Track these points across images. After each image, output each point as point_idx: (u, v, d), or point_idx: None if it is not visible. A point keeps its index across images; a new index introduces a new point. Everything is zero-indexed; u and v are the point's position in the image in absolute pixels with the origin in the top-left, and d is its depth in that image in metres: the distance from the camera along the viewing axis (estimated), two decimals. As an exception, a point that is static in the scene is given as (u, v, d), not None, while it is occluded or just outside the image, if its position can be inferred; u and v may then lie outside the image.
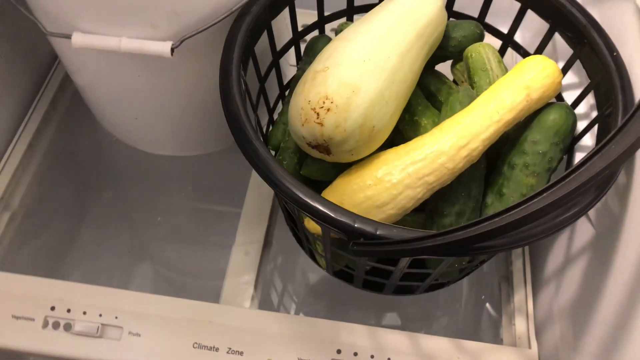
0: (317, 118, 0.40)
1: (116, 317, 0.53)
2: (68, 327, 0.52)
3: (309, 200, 0.37)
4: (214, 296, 0.56)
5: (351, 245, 0.36)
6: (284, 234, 0.62)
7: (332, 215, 0.36)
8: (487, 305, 0.60)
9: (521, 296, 0.57)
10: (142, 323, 0.52)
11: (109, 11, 0.44)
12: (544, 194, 0.31)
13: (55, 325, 0.52)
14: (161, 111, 0.56)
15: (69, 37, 0.46)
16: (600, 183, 0.38)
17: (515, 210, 0.31)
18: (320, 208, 0.36)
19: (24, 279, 0.55)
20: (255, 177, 0.65)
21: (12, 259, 0.61)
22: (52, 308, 0.53)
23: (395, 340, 0.52)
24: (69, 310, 0.53)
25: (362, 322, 0.53)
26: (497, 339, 0.57)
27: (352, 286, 0.54)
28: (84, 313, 0.53)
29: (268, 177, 0.38)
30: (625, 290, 0.41)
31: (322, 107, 0.40)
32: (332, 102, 0.40)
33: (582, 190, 0.31)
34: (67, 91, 0.71)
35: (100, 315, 0.53)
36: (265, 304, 0.59)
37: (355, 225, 0.36)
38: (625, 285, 0.41)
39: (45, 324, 0.52)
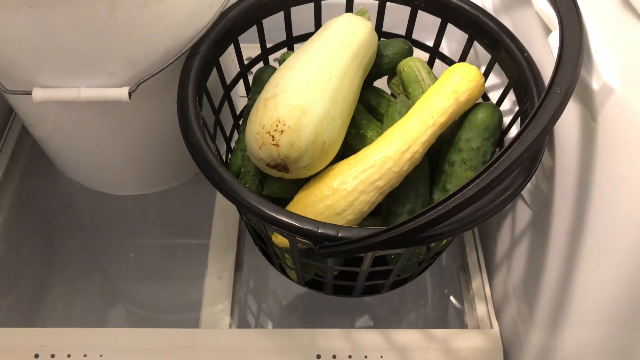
0: (273, 140, 0.45)
1: (101, 355, 0.54)
2: (42, 373, 0.54)
3: (275, 214, 0.40)
4: (192, 326, 0.58)
5: (318, 249, 0.40)
6: (254, 257, 0.65)
7: (297, 225, 0.40)
8: (450, 296, 0.65)
9: (478, 282, 0.62)
10: (126, 357, 0.54)
11: (66, 64, 0.47)
12: (476, 181, 0.36)
13: (41, 372, 0.54)
14: (123, 153, 0.59)
15: (29, 93, 0.49)
16: (526, 167, 0.43)
17: (454, 198, 0.36)
18: (286, 220, 0.40)
19: (3, 331, 0.56)
20: (219, 205, 0.68)
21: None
22: (36, 356, 0.54)
23: (370, 338, 0.56)
24: (53, 356, 0.54)
25: (337, 327, 0.56)
26: (462, 325, 0.62)
27: (324, 294, 0.57)
28: (69, 356, 0.54)
29: (235, 198, 0.41)
30: (561, 262, 0.47)
31: (276, 130, 0.44)
32: (284, 125, 0.44)
33: (508, 173, 0.36)
34: (25, 144, 0.72)
35: (85, 355, 0.54)
36: (243, 323, 0.62)
37: (319, 231, 0.40)
38: (561, 256, 0.47)
39: (31, 372, 0.54)
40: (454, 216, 0.36)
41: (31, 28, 0.44)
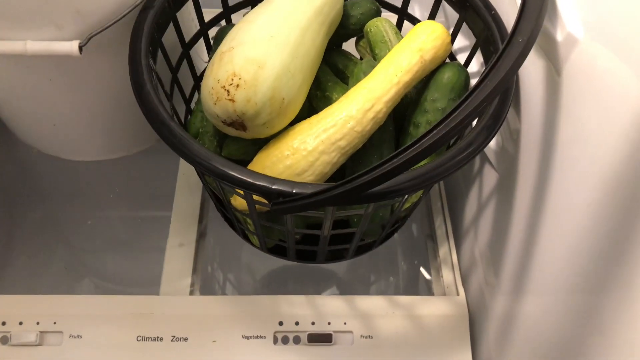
0: (228, 95, 0.43)
1: (54, 323, 0.53)
2: (5, 340, 0.52)
3: (227, 170, 0.39)
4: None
5: (272, 205, 0.38)
6: (218, 227, 0.63)
7: (251, 181, 0.38)
8: (418, 264, 0.64)
9: (445, 250, 0.61)
10: (82, 325, 0.53)
11: (10, 14, 0.45)
12: (434, 131, 0.35)
13: (-8, 340, 0.52)
14: (78, 114, 0.56)
15: (-29, 45, 0.46)
16: (489, 124, 0.42)
17: (411, 149, 0.34)
18: (239, 175, 0.38)
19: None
20: (182, 172, 0.66)
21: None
22: (3, 323, 0.52)
23: (333, 305, 0.55)
24: (4, 323, 0.52)
25: (301, 294, 0.55)
26: (430, 293, 0.61)
27: (287, 260, 0.56)
28: (20, 323, 0.52)
29: (185, 154, 0.40)
30: (525, 226, 0.46)
31: (231, 84, 0.42)
32: (240, 79, 0.42)
33: (467, 122, 0.34)
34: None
35: (38, 323, 0.52)
36: (205, 290, 0.60)
37: (274, 187, 0.38)
38: (525, 221, 0.46)
39: (-20, 341, 0.52)
40: (408, 169, 0.35)
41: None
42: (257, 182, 0.38)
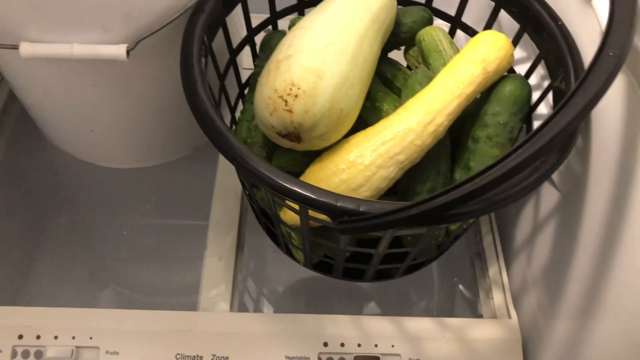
0: (286, 105, 0.40)
1: (91, 338, 0.50)
2: (39, 355, 0.50)
3: (289, 185, 0.36)
4: (189, 310, 0.54)
5: (336, 224, 0.36)
6: (256, 238, 0.61)
7: (314, 197, 0.36)
8: (463, 283, 0.61)
9: (495, 269, 0.58)
10: (119, 340, 0.50)
11: (58, 16, 0.43)
12: (518, 151, 0.32)
13: (25, 355, 0.50)
14: (118, 120, 0.54)
15: (16, 47, 0.44)
16: (562, 144, 0.39)
17: (493, 169, 0.32)
18: (301, 191, 0.36)
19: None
20: (220, 182, 0.63)
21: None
22: (20, 337, 0.50)
23: (380, 326, 0.52)
24: (38, 337, 0.50)
25: (344, 314, 0.53)
26: (476, 314, 0.58)
27: (331, 277, 0.53)
28: (55, 337, 0.50)
29: (245, 167, 0.37)
30: (594, 248, 0.43)
31: (289, 94, 0.40)
32: (298, 89, 0.40)
33: (556, 143, 0.32)
34: (11, 113, 0.68)
35: (74, 337, 0.50)
36: (244, 306, 0.58)
37: (338, 204, 0.36)
38: (594, 243, 0.43)
39: (13, 355, 0.50)
40: (491, 191, 0.32)
41: (19, -28, 0.39)
42: (320, 199, 0.36)
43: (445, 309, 0.61)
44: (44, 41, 0.44)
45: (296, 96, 0.40)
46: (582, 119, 0.32)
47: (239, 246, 0.60)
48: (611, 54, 0.33)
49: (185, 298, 0.60)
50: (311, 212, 0.40)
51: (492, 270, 0.58)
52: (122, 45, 0.44)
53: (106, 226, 0.65)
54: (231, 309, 0.55)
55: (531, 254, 0.54)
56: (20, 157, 0.67)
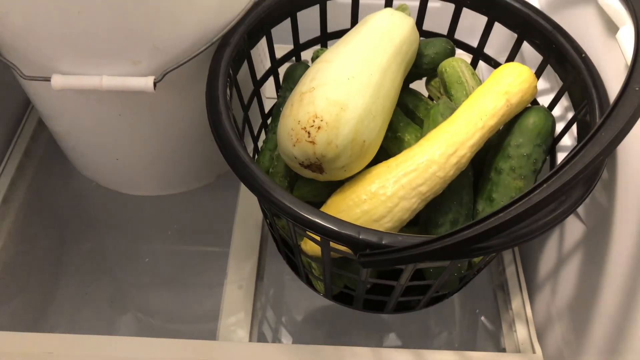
0: (309, 137, 0.41)
1: (109, 366, 0.50)
2: (56, 382, 0.50)
3: (311, 217, 0.36)
4: (208, 337, 0.54)
5: (358, 257, 0.36)
6: (275, 267, 0.61)
7: (336, 229, 0.36)
8: (485, 316, 0.60)
9: (518, 302, 0.57)
10: (138, 369, 0.50)
11: (88, 50, 0.44)
12: (544, 185, 0.32)
13: (46, 381, 0.50)
14: (143, 150, 0.55)
15: (48, 79, 0.45)
16: (587, 178, 0.39)
17: (519, 203, 0.32)
18: (323, 223, 0.36)
19: (8, 335, 0.52)
20: (241, 210, 0.64)
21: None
22: (41, 363, 0.50)
23: (401, 358, 0.51)
24: (55, 364, 0.50)
25: (364, 346, 0.52)
26: (499, 348, 0.57)
27: (352, 308, 0.53)
28: (76, 365, 0.50)
29: (268, 197, 0.38)
30: (622, 283, 0.42)
31: (312, 126, 0.41)
32: (322, 120, 0.41)
33: (583, 177, 0.31)
34: (40, 140, 0.69)
35: (90, 365, 0.50)
36: (262, 337, 0.57)
37: (360, 237, 0.36)
38: (621, 278, 0.42)
39: (35, 381, 0.50)
40: (516, 226, 0.32)
41: (53, 7, 0.41)
42: (342, 231, 0.36)
43: (467, 342, 0.60)
44: (75, 73, 0.46)
45: (319, 128, 0.41)
46: (608, 154, 0.32)
47: (259, 275, 0.60)
48: (637, 88, 0.33)
49: (205, 325, 0.60)
50: (332, 244, 0.40)
51: (515, 303, 0.57)
52: (149, 78, 0.45)
53: (128, 252, 0.66)
54: (250, 338, 0.54)
55: (556, 287, 0.53)
56: (47, 184, 0.68)
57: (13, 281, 0.61)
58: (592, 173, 0.39)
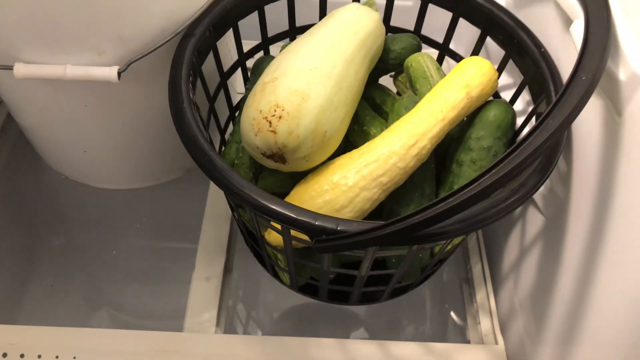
0: (270, 126, 0.41)
1: (74, 357, 0.50)
2: (22, 373, 0.49)
3: (269, 204, 0.37)
4: (177, 331, 0.54)
5: (314, 243, 0.36)
6: (245, 261, 0.61)
7: (293, 216, 0.36)
8: (451, 309, 0.61)
9: (483, 295, 0.58)
10: (102, 360, 0.50)
11: (52, 38, 0.44)
12: (492, 171, 0.33)
13: (8, 373, 0.50)
14: (111, 141, 0.55)
15: (10, 68, 0.45)
16: (542, 166, 0.40)
17: (466, 190, 0.32)
18: (281, 210, 0.37)
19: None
20: (211, 204, 0.64)
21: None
22: (4, 355, 0.50)
23: (365, 349, 0.52)
24: (22, 356, 0.50)
25: (331, 337, 0.52)
26: (464, 340, 0.58)
27: (317, 300, 0.53)
28: (39, 357, 0.50)
29: (227, 186, 0.38)
30: (577, 273, 0.43)
31: (273, 115, 0.41)
32: (283, 110, 0.41)
33: (528, 163, 0.32)
34: (8, 134, 0.69)
35: (57, 357, 0.50)
36: (230, 328, 0.57)
37: (317, 223, 0.36)
38: (576, 268, 0.43)
39: (-3, 373, 0.49)
40: (464, 210, 0.33)
41: (16, -5, 0.41)
42: (299, 218, 0.36)
43: (434, 335, 0.60)
44: (38, 62, 0.46)
45: (280, 117, 0.41)
46: (555, 139, 0.33)
47: (227, 268, 0.60)
48: (584, 77, 0.34)
49: (173, 321, 0.59)
50: (293, 232, 0.40)
51: (480, 296, 0.58)
52: (113, 68, 0.45)
53: (97, 247, 0.66)
54: (217, 330, 0.54)
55: (518, 279, 0.54)
56: (17, 178, 0.68)
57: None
58: (546, 160, 0.40)
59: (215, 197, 0.64)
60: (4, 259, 0.63)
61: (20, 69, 0.45)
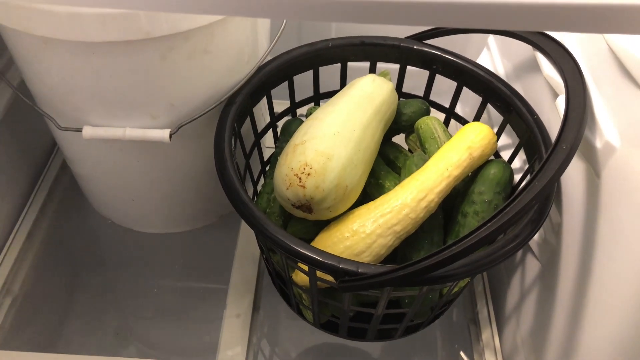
0: (300, 182, 0.48)
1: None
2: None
3: (300, 249, 0.43)
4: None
5: (338, 283, 0.43)
6: (270, 301, 0.67)
7: (321, 259, 0.43)
8: (459, 347, 0.66)
9: (488, 334, 0.63)
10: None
11: (116, 106, 0.52)
12: (488, 224, 0.39)
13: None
14: (157, 191, 0.63)
15: (79, 130, 0.53)
16: (534, 218, 0.46)
17: (467, 239, 0.39)
18: (310, 254, 0.43)
19: (23, 356, 0.58)
20: (241, 248, 0.71)
21: (11, 341, 0.64)
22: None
23: (381, 382, 0.57)
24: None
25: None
26: (472, 377, 0.63)
27: (338, 336, 0.59)
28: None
29: (264, 232, 0.45)
30: (568, 312, 0.49)
31: (303, 173, 0.48)
32: (311, 168, 0.48)
33: (518, 217, 0.39)
34: (61, 182, 0.77)
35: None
36: (258, 362, 0.63)
37: (340, 266, 0.43)
38: (568, 308, 0.49)
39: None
40: (467, 255, 0.39)
41: (89, 72, 0.49)
42: (325, 261, 0.43)
43: (443, 372, 0.65)
44: (102, 125, 0.54)
45: (309, 174, 0.48)
46: (541, 199, 0.39)
47: (255, 307, 0.66)
48: (564, 147, 0.41)
49: (202, 357, 0.65)
50: (318, 273, 0.47)
51: (486, 335, 0.63)
52: (166, 130, 0.53)
53: (134, 286, 0.72)
54: (246, 363, 0.60)
55: (520, 319, 0.59)
56: (66, 221, 0.75)
57: (31, 309, 0.67)
58: (537, 216, 0.46)
59: (245, 241, 0.71)
60: (50, 294, 0.69)
61: (88, 131, 0.53)
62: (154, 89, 0.51)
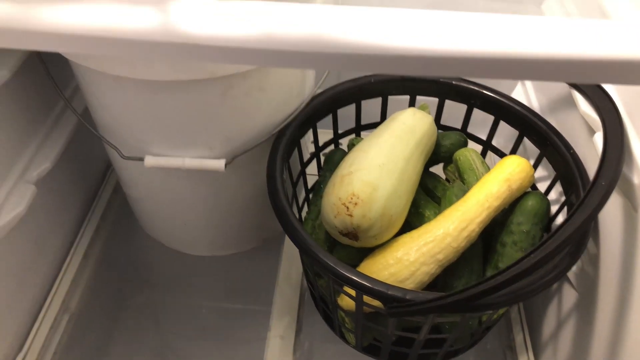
0: (347, 211, 0.51)
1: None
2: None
3: (350, 275, 0.46)
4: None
5: (387, 308, 0.45)
6: (312, 323, 0.70)
7: (369, 285, 0.46)
8: (496, 374, 0.68)
9: (525, 361, 0.65)
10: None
11: (176, 138, 0.56)
12: (530, 256, 0.42)
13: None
14: (208, 217, 0.67)
15: (141, 159, 0.57)
16: (573, 251, 0.48)
17: (510, 269, 0.41)
18: (359, 280, 0.46)
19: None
20: (283, 271, 0.74)
21: (66, 357, 0.68)
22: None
23: (420, 405, 0.59)
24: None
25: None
26: (508, 403, 0.64)
27: None
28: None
29: (315, 259, 0.48)
30: (607, 343, 0.50)
31: (350, 202, 0.51)
32: (358, 198, 0.51)
33: (559, 251, 0.41)
34: (114, 206, 0.82)
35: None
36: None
37: (389, 292, 0.45)
38: (606, 338, 0.50)
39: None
40: (510, 286, 0.42)
41: (154, 107, 0.53)
42: (374, 287, 0.46)
43: (480, 397, 0.67)
44: (163, 155, 0.58)
45: (356, 204, 0.51)
46: (580, 233, 0.42)
47: (298, 328, 0.69)
48: (603, 183, 0.43)
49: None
50: (365, 299, 0.49)
51: (522, 362, 0.65)
52: (222, 160, 0.57)
53: (180, 306, 0.75)
54: (290, 383, 0.63)
55: (557, 348, 0.61)
56: (118, 243, 0.79)
57: (85, 326, 0.70)
58: (575, 247, 0.48)
59: (287, 264, 0.74)
60: (99, 312, 0.73)
61: (150, 161, 0.57)
62: (212, 122, 0.55)
